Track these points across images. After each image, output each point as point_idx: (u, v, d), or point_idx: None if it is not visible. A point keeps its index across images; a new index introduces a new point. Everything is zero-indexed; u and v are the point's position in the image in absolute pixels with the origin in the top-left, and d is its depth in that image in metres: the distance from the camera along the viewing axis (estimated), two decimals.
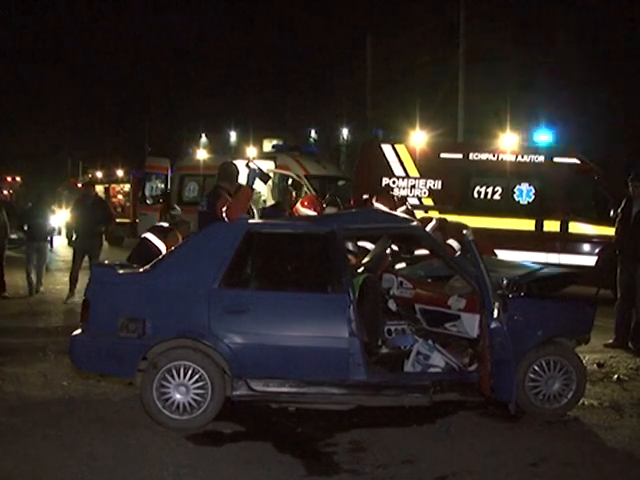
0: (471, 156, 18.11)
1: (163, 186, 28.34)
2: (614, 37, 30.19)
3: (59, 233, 31.24)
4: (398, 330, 8.95)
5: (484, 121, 28.10)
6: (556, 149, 17.94)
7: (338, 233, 8.06)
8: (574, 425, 8.10)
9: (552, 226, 17.19)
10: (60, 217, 31.57)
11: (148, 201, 28.91)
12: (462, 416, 8.26)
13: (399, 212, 11.56)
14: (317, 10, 39.15)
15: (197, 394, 7.63)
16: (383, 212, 9.91)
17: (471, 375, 8.06)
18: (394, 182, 18.39)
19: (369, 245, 10.58)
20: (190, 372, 7.64)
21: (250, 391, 7.72)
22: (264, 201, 21.98)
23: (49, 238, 17.00)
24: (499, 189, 17.78)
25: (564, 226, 17.08)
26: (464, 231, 8.33)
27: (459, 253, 8.81)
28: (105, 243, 17.48)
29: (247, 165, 9.28)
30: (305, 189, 21.41)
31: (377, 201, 13.40)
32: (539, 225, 17.28)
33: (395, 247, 10.70)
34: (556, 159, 17.48)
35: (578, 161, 17.38)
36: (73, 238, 16.34)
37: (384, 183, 17.98)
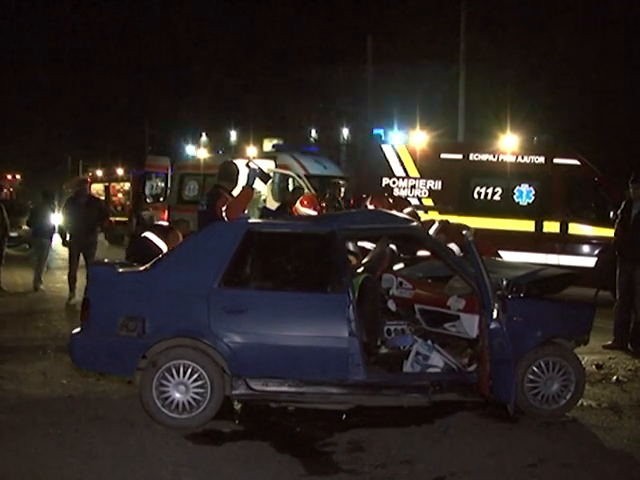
0: (471, 157, 18.13)
1: (163, 185, 28.32)
2: (614, 40, 30.23)
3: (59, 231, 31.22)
4: (397, 330, 8.96)
5: (484, 122, 28.12)
6: (557, 150, 17.96)
7: (338, 233, 8.08)
8: (573, 426, 8.11)
9: (552, 227, 17.21)
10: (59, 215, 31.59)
11: (148, 200, 28.88)
12: (461, 416, 8.27)
13: (405, 213, 11.61)
14: (318, 10, 39.18)
15: (196, 393, 7.65)
16: (383, 212, 9.92)
17: (470, 375, 8.06)
18: (394, 182, 18.39)
19: (368, 245, 10.59)
20: (189, 371, 7.65)
21: (249, 390, 7.73)
22: (264, 200, 21.97)
23: (51, 236, 16.94)
24: (499, 190, 17.79)
25: (564, 227, 17.10)
26: (464, 232, 8.35)
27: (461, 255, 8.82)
28: (105, 242, 17.44)
29: (247, 165, 9.29)
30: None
31: (371, 203, 13.43)
32: (539, 226, 17.30)
33: (393, 248, 10.71)
34: (556, 160, 17.48)
35: (578, 162, 17.39)
36: (67, 237, 16.20)
37: (384, 183, 17.96)
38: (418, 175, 18.43)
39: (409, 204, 14.42)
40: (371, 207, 13.16)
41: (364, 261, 9.92)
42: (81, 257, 15.94)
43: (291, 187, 22.57)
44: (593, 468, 6.93)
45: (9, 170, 53.86)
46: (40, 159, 65.23)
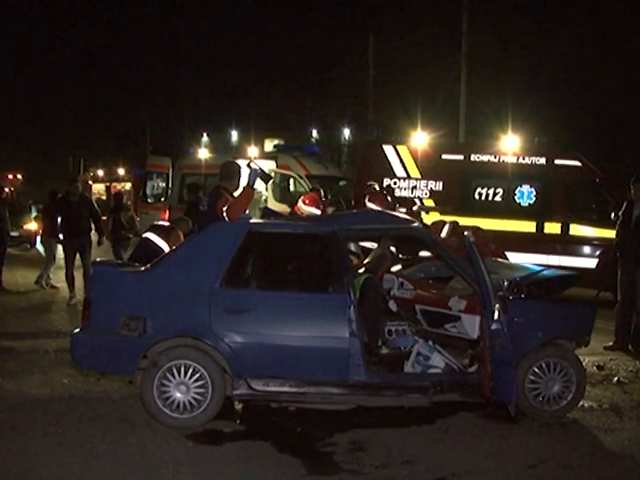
0: (472, 157, 18.13)
1: (164, 185, 28.35)
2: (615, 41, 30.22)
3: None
4: (398, 331, 8.95)
5: (485, 123, 28.11)
6: (558, 151, 17.97)
7: (339, 234, 8.08)
8: (573, 427, 8.11)
9: (553, 228, 17.20)
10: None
11: (149, 200, 28.91)
12: (462, 417, 8.27)
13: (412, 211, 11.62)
14: (320, 10, 39.17)
15: (197, 393, 7.65)
16: (385, 213, 9.93)
17: (471, 376, 8.07)
18: (395, 183, 18.40)
19: (369, 245, 10.59)
20: (191, 371, 7.66)
21: (250, 390, 7.74)
22: (265, 201, 22.00)
23: (59, 235, 16.90)
24: (500, 191, 17.79)
25: (565, 228, 17.10)
26: (465, 233, 8.35)
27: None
28: (106, 241, 17.40)
29: (248, 165, 9.29)
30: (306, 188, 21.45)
31: (370, 201, 13.44)
32: (540, 227, 17.30)
33: (392, 248, 10.71)
34: (557, 161, 17.49)
35: (579, 163, 17.39)
36: (60, 237, 16.17)
37: (385, 184, 17.96)
38: (419, 176, 18.43)
39: (414, 203, 14.41)
40: (370, 205, 13.15)
41: (365, 261, 9.93)
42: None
43: (292, 187, 22.63)
44: (594, 469, 6.94)
45: (10, 169, 53.86)
46: (41, 158, 65.25)
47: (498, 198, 17.82)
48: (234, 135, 46.39)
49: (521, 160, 17.68)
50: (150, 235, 10.44)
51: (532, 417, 8.17)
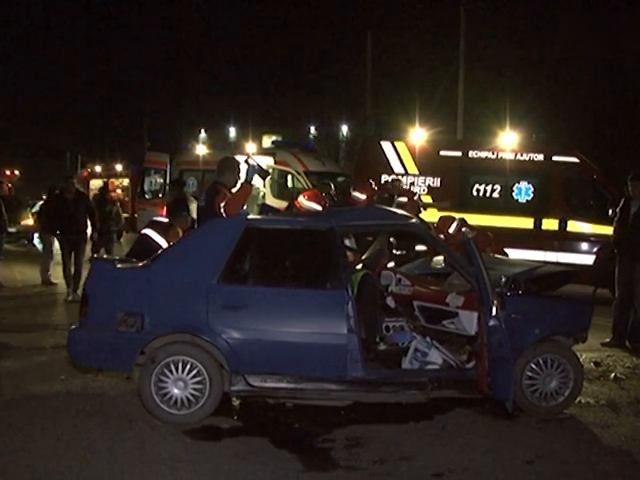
0: (470, 154, 18.15)
1: (162, 181, 28.34)
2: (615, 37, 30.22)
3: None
4: (396, 327, 8.94)
5: (484, 119, 28.11)
6: (556, 148, 17.99)
7: (337, 230, 8.07)
8: (571, 423, 8.12)
9: (551, 224, 17.24)
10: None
11: (147, 196, 28.89)
12: (459, 413, 8.27)
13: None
14: (319, 7, 39.12)
15: (195, 389, 7.65)
16: (383, 209, 9.92)
17: (469, 372, 8.07)
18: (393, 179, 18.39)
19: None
20: (188, 367, 7.65)
21: (248, 386, 7.73)
22: (263, 197, 21.99)
23: (57, 232, 16.87)
24: (498, 187, 17.83)
25: (563, 225, 17.13)
26: (463, 229, 8.36)
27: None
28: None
29: (246, 161, 9.29)
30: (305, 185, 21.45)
31: (355, 190, 13.49)
32: (538, 223, 17.33)
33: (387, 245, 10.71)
34: (555, 158, 17.51)
35: (577, 160, 17.41)
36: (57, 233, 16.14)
37: (383, 180, 17.97)
38: (417, 172, 18.46)
39: (413, 194, 14.41)
40: (356, 194, 13.18)
41: (363, 257, 9.93)
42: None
43: (290, 183, 22.64)
44: (591, 465, 6.94)
45: (8, 166, 53.77)
46: (39, 155, 65.18)
47: (496, 194, 17.85)
48: (232, 131, 46.27)
49: (519, 156, 17.71)
50: (148, 231, 10.42)
51: (529, 413, 8.18)
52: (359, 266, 9.46)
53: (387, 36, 33.37)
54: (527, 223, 17.37)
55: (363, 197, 13.04)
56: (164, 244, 9.97)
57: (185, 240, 8.58)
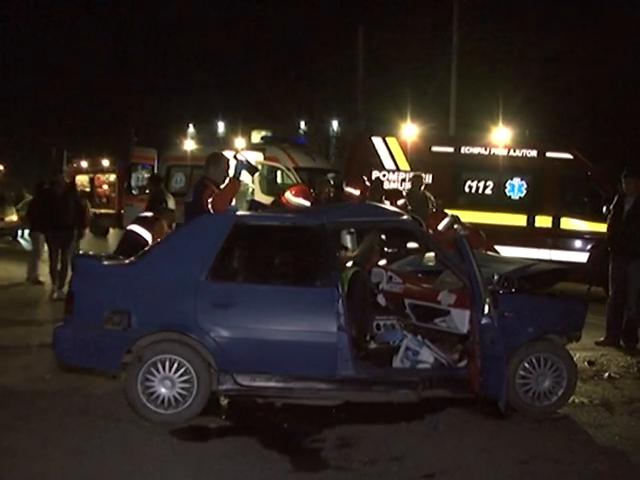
0: (463, 150, 18.18)
1: (149, 176, 28.28)
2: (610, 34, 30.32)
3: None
4: (387, 325, 8.96)
5: (476, 115, 28.13)
6: (549, 144, 18.02)
7: (328, 226, 8.07)
8: (564, 423, 8.13)
9: (544, 222, 17.27)
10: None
11: (134, 191, 28.83)
12: (451, 413, 8.26)
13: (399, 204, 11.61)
14: (309, 0, 39.06)
15: (182, 388, 7.62)
16: (375, 205, 9.92)
17: (461, 371, 8.08)
18: (384, 175, 18.41)
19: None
20: (176, 366, 7.63)
21: (236, 385, 7.73)
22: (252, 193, 21.97)
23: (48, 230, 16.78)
24: (490, 184, 17.86)
25: (556, 222, 17.16)
26: (455, 226, 8.36)
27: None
28: (90, 234, 17.32)
29: (235, 157, 9.29)
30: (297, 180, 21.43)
31: (347, 185, 13.46)
32: (531, 220, 17.36)
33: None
34: (549, 154, 17.54)
35: (571, 156, 17.44)
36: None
37: (374, 176, 17.97)
38: (409, 168, 18.46)
39: (401, 196, 14.41)
40: (349, 189, 13.15)
41: (353, 255, 9.93)
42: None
43: (279, 179, 22.63)
44: (585, 465, 6.95)
45: None
46: (24, 150, 64.90)
47: (488, 191, 17.88)
48: (221, 126, 46.31)
49: (512, 153, 17.74)
50: (134, 227, 10.43)
51: (522, 413, 8.18)
52: (349, 263, 9.44)
53: (379, 31, 33.32)
54: (520, 220, 17.40)
55: (357, 192, 13.00)
56: (150, 239, 9.97)
57: (173, 237, 8.58)
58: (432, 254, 9.60)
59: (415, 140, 18.75)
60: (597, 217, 15.88)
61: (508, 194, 17.69)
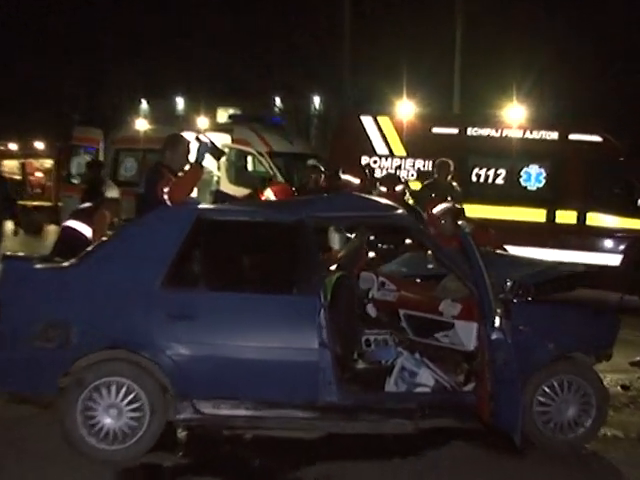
0: (469, 131, 18.17)
1: (88, 162, 28.15)
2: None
3: None
4: (378, 341, 8.97)
5: (486, 89, 28.20)
6: (574, 125, 18.02)
7: (308, 222, 8.02)
8: (593, 461, 8.12)
9: (567, 217, 17.27)
10: None
11: (74, 180, 28.65)
12: (455, 447, 8.25)
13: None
14: None
15: (132, 418, 7.55)
16: (364, 198, 9.88)
17: (467, 397, 8.06)
18: (375, 162, 18.40)
19: None
20: (124, 391, 7.55)
21: (197, 414, 7.68)
22: (217, 182, 21.93)
23: None
24: (503, 172, 17.85)
25: (581, 217, 17.17)
26: (459, 222, 8.34)
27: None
28: (20, 231, 17.21)
29: (197, 138, 9.25)
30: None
31: (344, 173, 13.41)
32: (551, 216, 17.36)
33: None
34: (573, 136, 17.53)
35: (600, 139, 17.43)
36: None
37: (364, 163, 17.94)
38: (404, 153, 18.45)
39: (398, 181, 14.33)
40: (347, 177, 13.13)
41: (338, 256, 9.89)
42: None
43: (250, 165, 22.60)
44: None
45: None
46: None
47: (500, 180, 17.87)
48: (180, 102, 46.30)
49: (528, 134, 17.74)
50: (71, 223, 10.36)
51: (542, 448, 8.16)
52: (334, 266, 9.41)
53: None
54: (538, 215, 17.41)
55: (357, 181, 12.96)
56: (91, 234, 9.90)
57: (121, 234, 8.51)
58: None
59: (412, 120, 18.74)
60: (631, 212, 15.91)
61: (524, 184, 17.69)
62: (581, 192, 17.27)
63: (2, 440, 8.04)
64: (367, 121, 18.88)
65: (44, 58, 51.49)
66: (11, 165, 38.40)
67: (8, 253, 9.52)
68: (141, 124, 26.48)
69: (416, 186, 17.69)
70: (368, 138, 18.71)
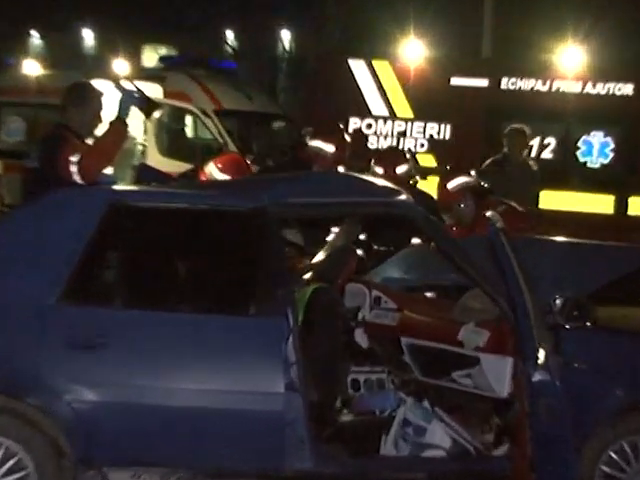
0: (504, 83, 18.22)
1: None
2: None
3: None
4: (371, 382, 8.96)
5: (526, 26, 28.32)
6: None
7: (271, 212, 7.98)
8: None
9: None
10: None
11: None
12: None
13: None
14: None
15: None
16: (352, 177, 9.86)
17: (497, 463, 8.07)
18: (370, 125, 18.40)
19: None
20: (1, 455, 7.52)
21: None
22: (143, 153, 21.85)
23: None
24: (552, 142, 17.88)
25: None
26: (488, 214, 8.33)
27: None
28: None
29: (118, 86, 9.20)
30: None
31: (313, 137, 13.25)
32: (621, 204, 17.38)
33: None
34: None
35: None
36: None
37: (353, 126, 17.95)
38: (411, 114, 18.46)
39: (404, 159, 14.28)
40: (317, 144, 13.03)
41: (316, 261, 9.88)
42: None
43: (190, 130, 22.59)
44: None
45: None
46: None
47: (547, 154, 17.90)
48: (89, 37, 46.26)
49: (590, 88, 17.75)
50: None
51: None
52: (308, 275, 9.41)
53: None
54: (603, 204, 17.46)
55: (330, 149, 12.73)
56: None
57: (1, 229, 8.44)
58: None
59: (423, 67, 18.76)
60: None
61: (582, 159, 17.74)
62: None
63: None
64: (358, 67, 18.89)
65: None
66: None
67: None
68: (31, 67, 26.42)
69: (427, 162, 17.76)
70: (359, 92, 18.71)
